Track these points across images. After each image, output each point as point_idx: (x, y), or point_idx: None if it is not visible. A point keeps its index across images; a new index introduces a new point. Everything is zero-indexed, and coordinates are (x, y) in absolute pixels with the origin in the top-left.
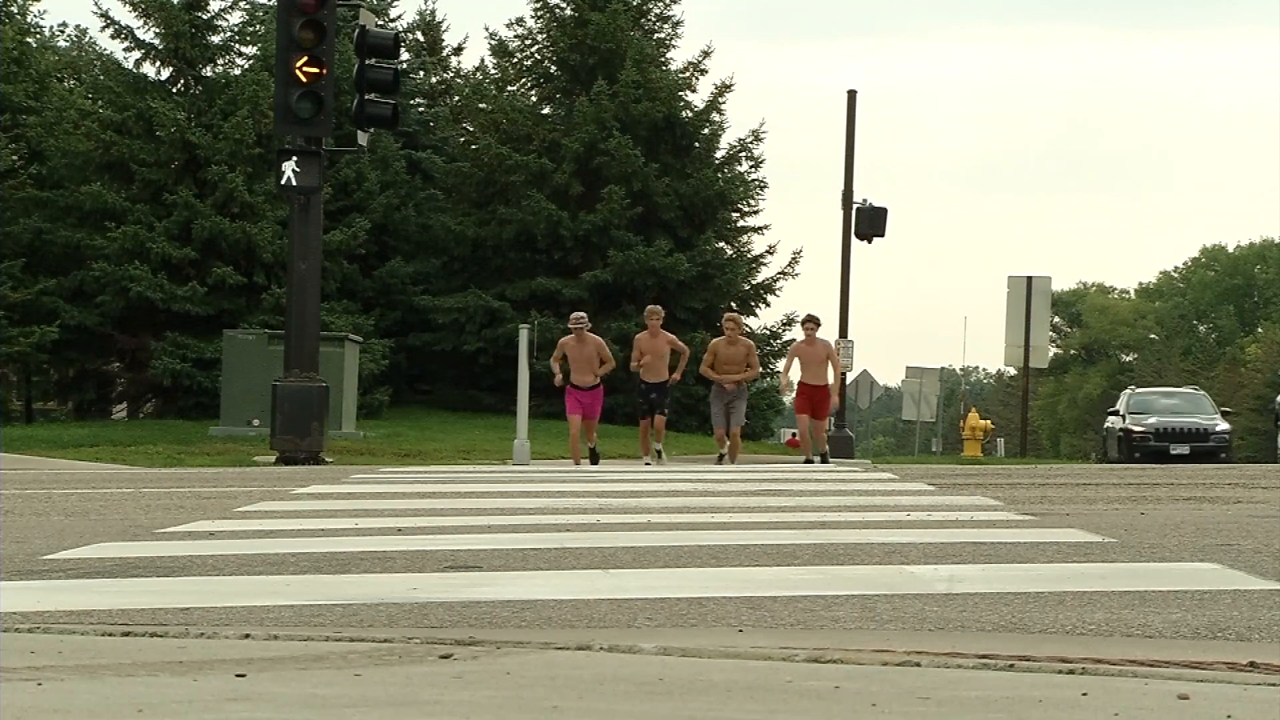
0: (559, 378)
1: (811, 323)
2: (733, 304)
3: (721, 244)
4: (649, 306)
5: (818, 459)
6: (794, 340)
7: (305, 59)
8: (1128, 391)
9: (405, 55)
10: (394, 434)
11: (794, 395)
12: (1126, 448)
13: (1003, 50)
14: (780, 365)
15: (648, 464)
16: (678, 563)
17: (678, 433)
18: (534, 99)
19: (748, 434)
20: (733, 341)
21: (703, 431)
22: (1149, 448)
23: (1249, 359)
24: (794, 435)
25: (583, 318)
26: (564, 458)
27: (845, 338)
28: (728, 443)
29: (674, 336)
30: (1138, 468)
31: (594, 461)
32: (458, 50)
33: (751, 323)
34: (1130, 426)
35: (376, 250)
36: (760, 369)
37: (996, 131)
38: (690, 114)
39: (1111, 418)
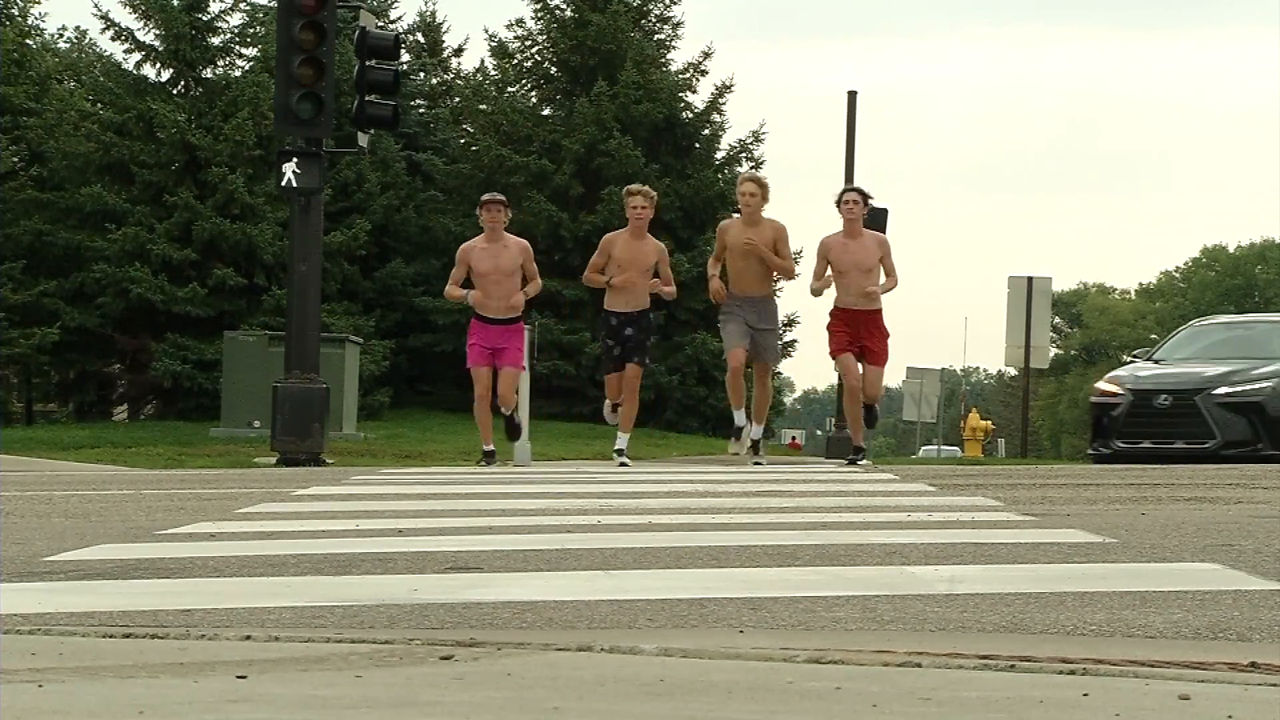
0: (476, 295)
1: (857, 195)
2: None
3: None
4: (632, 185)
5: (852, 453)
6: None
7: (305, 60)
8: None
9: (405, 56)
10: (395, 435)
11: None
12: None
13: (1002, 50)
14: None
15: (614, 419)
16: (679, 563)
17: (677, 434)
18: (534, 100)
19: None
20: (753, 220)
21: (703, 433)
22: None
23: None
24: (795, 438)
25: (502, 199)
26: (564, 458)
27: None
28: (749, 423)
29: (664, 250)
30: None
31: (513, 437)
32: (458, 52)
33: None
34: None
35: (377, 251)
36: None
37: (996, 131)
38: (690, 115)
39: None
